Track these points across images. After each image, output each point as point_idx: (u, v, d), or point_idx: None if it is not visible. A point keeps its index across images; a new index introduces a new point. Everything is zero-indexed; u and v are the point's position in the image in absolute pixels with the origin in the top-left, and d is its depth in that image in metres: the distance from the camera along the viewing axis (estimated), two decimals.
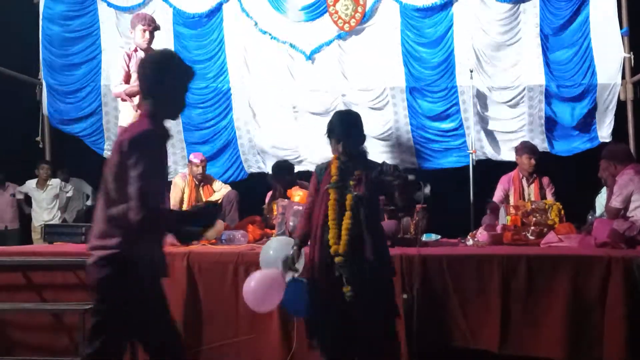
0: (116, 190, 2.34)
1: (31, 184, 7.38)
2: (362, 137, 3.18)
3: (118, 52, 5.47)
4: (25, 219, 7.57)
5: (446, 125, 6.71)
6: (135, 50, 4.84)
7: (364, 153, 3.20)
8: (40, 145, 7.21)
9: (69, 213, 7.60)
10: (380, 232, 3.20)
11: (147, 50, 4.78)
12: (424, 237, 4.72)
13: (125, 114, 4.77)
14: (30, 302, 4.20)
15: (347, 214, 3.03)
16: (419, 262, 3.85)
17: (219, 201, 5.58)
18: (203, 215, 2.51)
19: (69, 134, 7.21)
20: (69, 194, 7.52)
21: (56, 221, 7.12)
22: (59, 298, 4.15)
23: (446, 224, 5.16)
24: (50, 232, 5.21)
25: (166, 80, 2.45)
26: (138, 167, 2.27)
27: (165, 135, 2.50)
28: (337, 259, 3.02)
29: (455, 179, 6.49)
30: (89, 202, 7.75)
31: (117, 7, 6.94)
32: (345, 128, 3.12)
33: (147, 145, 2.34)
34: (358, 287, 2.99)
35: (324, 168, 3.22)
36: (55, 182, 7.37)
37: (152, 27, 4.81)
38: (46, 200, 7.33)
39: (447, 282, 3.83)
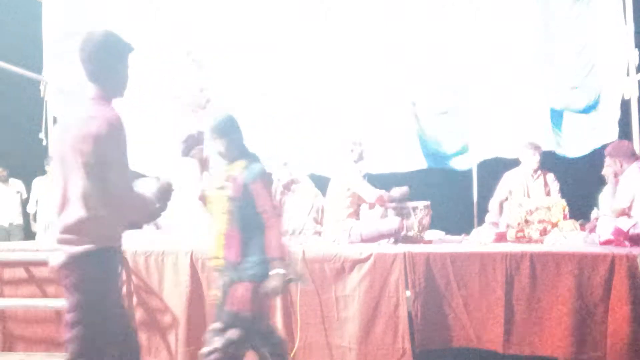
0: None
1: (39, 181, 7.35)
2: (240, 139, 3.06)
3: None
4: (28, 215, 7.58)
5: (451, 123, 6.68)
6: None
7: (241, 153, 3.05)
8: (44, 143, 7.20)
9: None
10: (257, 234, 2.94)
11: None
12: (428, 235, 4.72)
13: None
14: (33, 297, 4.21)
15: (223, 217, 2.94)
16: (422, 260, 3.85)
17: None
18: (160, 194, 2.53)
19: None
20: None
21: None
22: (61, 294, 4.15)
23: (450, 221, 5.16)
24: None
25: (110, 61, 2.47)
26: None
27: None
28: (212, 262, 2.98)
29: (460, 176, 6.48)
30: None
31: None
32: (223, 129, 3.03)
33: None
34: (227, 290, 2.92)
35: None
36: None
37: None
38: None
39: (450, 280, 3.84)
